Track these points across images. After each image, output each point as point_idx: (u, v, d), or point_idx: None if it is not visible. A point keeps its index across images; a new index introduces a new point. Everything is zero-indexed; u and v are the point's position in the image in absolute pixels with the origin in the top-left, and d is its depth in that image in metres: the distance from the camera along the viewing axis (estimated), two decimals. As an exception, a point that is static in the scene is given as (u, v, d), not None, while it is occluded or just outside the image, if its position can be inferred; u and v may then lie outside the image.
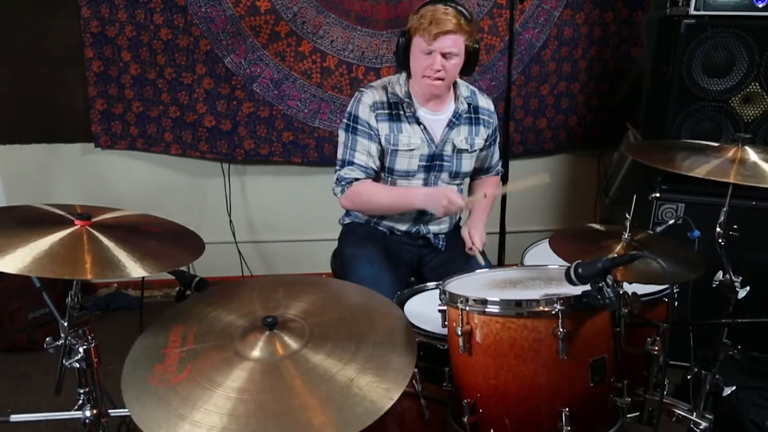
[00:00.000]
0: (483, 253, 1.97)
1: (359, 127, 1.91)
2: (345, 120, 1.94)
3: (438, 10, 1.75)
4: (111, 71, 2.88)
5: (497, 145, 2.15)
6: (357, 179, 1.92)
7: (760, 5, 2.17)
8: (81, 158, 3.06)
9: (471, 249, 1.93)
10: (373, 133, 1.91)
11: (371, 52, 2.94)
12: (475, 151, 2.03)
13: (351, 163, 1.92)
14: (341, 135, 1.95)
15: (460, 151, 1.99)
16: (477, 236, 1.95)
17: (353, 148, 1.92)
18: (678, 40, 2.23)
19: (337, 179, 1.95)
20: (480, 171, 2.16)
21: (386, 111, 1.92)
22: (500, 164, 2.22)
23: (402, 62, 1.89)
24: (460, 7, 1.79)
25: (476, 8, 2.92)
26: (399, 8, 2.89)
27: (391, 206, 1.97)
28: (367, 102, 1.91)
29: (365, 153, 1.92)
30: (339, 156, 1.95)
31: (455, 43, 1.78)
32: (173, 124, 2.98)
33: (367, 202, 1.96)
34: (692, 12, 2.20)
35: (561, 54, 3.06)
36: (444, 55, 1.79)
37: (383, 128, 1.92)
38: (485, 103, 2.04)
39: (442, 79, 1.83)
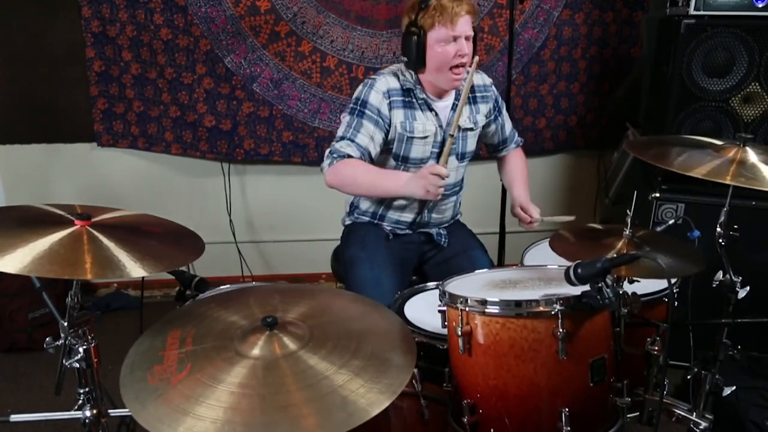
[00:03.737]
0: (489, 261, 1.99)
1: (367, 111, 1.86)
2: (351, 104, 1.89)
3: (444, 1, 1.76)
4: (112, 71, 2.88)
5: (504, 115, 2.14)
6: (350, 156, 1.83)
7: (760, 5, 2.17)
8: (81, 158, 3.06)
9: (531, 224, 1.94)
10: (381, 120, 1.86)
11: (371, 52, 2.94)
12: (479, 128, 2.04)
13: (351, 141, 1.84)
14: (345, 117, 1.89)
15: (465, 130, 1.98)
16: (532, 208, 1.95)
17: (357, 129, 1.85)
18: (678, 40, 2.23)
19: (330, 152, 1.85)
20: (497, 146, 2.15)
21: (401, 98, 1.89)
22: (516, 134, 2.21)
23: (416, 62, 1.84)
24: None
25: (476, 8, 2.92)
26: (399, 8, 2.88)
27: (374, 185, 1.88)
28: (380, 89, 1.87)
29: (368, 136, 1.85)
30: (338, 133, 1.88)
31: (470, 24, 1.82)
32: (173, 123, 2.98)
33: (352, 176, 1.84)
34: (692, 12, 2.20)
35: (560, 54, 3.06)
36: (464, 38, 1.81)
37: (398, 115, 1.89)
38: (480, 79, 2.04)
39: (463, 65, 1.84)
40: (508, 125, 2.17)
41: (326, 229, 2.49)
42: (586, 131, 3.24)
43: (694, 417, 1.39)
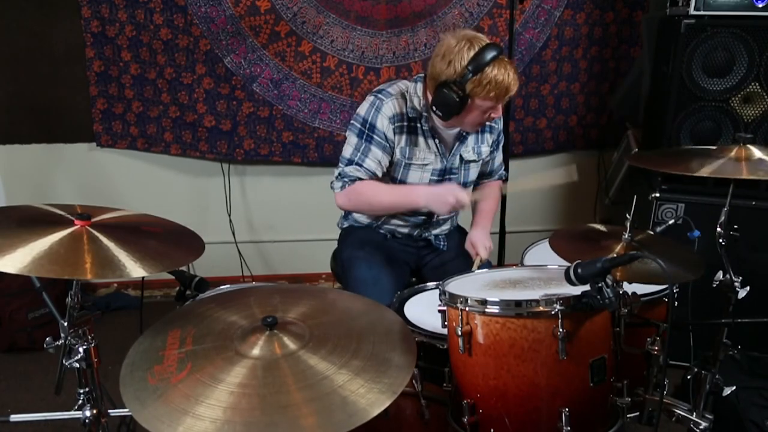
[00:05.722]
0: (488, 261, 1.97)
1: (375, 137, 1.85)
2: (359, 125, 1.87)
3: (503, 77, 1.70)
4: (111, 71, 2.88)
5: (500, 149, 2.13)
6: (360, 179, 1.86)
7: (760, 5, 2.17)
8: (81, 158, 3.06)
9: (476, 257, 1.93)
10: (388, 145, 1.86)
11: (371, 52, 2.94)
12: (482, 159, 2.02)
13: (359, 165, 1.86)
14: (352, 138, 1.88)
15: (468, 162, 1.98)
16: (481, 247, 1.95)
17: (365, 153, 1.86)
18: (678, 40, 2.23)
19: (339, 175, 1.89)
20: (482, 176, 2.14)
21: (405, 124, 1.87)
22: (503, 168, 2.20)
23: (451, 116, 1.79)
24: (498, 47, 1.72)
25: (476, 8, 2.92)
26: (399, 8, 2.89)
27: (392, 206, 1.93)
28: (386, 114, 1.85)
29: (376, 161, 1.86)
30: (346, 155, 1.88)
31: None
32: (173, 124, 2.98)
33: (367, 201, 1.90)
34: (692, 12, 2.20)
35: (561, 54, 3.06)
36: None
37: (399, 141, 1.88)
38: None
39: None
40: (499, 158, 2.15)
41: (326, 229, 2.49)
42: (586, 131, 3.24)
43: (694, 417, 1.38)
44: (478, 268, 1.89)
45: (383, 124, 1.84)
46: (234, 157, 3.05)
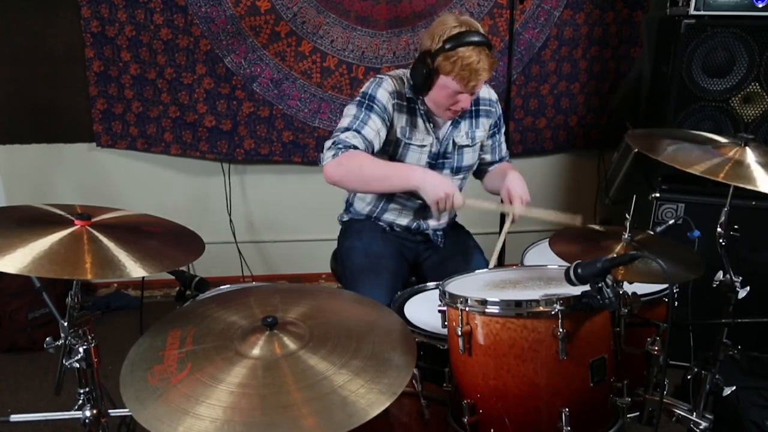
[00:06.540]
0: (486, 261, 1.95)
1: (375, 106, 1.81)
2: (359, 98, 1.83)
3: (473, 59, 1.67)
4: (111, 71, 2.88)
5: (503, 135, 2.11)
6: (356, 147, 1.74)
7: (760, 5, 2.17)
8: (81, 158, 3.06)
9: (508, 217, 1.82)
10: (386, 117, 1.82)
11: (371, 52, 2.94)
12: (477, 144, 2.01)
13: (357, 132, 1.75)
14: (351, 108, 1.81)
15: (461, 147, 1.97)
16: (517, 198, 1.82)
17: (364, 121, 1.77)
18: (678, 40, 2.23)
19: (334, 142, 1.74)
20: (488, 164, 2.13)
21: (404, 103, 1.87)
22: (509, 155, 2.19)
23: (419, 90, 1.81)
24: (485, 39, 1.71)
25: (476, 8, 2.92)
26: (399, 8, 2.89)
27: (384, 177, 1.76)
28: (387, 88, 1.84)
29: (374, 130, 1.78)
30: (343, 124, 1.79)
31: (483, 83, 1.78)
32: (173, 124, 2.98)
33: (359, 168, 1.73)
34: (692, 12, 2.20)
35: (561, 54, 3.06)
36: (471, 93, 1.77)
37: (399, 119, 1.87)
38: (486, 93, 2.00)
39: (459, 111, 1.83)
40: (504, 146, 2.14)
41: (326, 229, 2.49)
42: (586, 131, 3.24)
43: (694, 417, 1.38)
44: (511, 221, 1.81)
45: (384, 96, 1.82)
46: (234, 157, 3.05)
